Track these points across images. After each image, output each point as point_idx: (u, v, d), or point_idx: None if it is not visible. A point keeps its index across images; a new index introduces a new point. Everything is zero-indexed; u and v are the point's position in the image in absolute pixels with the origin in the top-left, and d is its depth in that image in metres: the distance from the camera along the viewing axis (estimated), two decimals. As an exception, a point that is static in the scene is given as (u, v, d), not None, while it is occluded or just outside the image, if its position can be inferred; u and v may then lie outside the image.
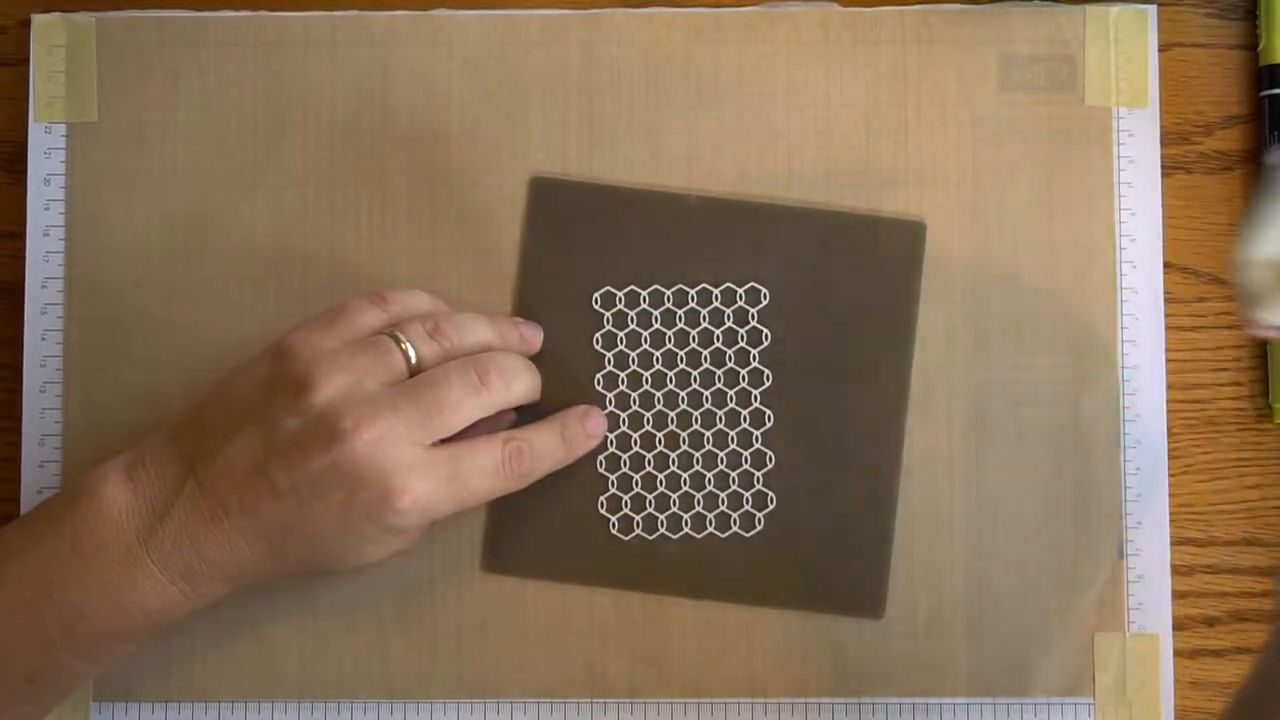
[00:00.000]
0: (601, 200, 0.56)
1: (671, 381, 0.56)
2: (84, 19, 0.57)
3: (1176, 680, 0.56)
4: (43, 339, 0.56)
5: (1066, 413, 0.56)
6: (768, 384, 0.56)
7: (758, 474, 0.56)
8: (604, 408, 0.56)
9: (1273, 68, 0.57)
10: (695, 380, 0.56)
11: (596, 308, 0.56)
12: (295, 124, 0.57)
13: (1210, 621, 0.56)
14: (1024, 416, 0.56)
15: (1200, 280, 0.57)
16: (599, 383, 0.56)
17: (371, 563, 0.50)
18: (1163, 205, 0.56)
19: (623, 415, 0.56)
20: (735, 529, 0.55)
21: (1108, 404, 0.56)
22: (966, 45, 0.57)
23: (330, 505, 0.47)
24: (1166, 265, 0.56)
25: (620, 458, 0.56)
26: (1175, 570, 0.56)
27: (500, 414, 0.52)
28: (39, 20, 0.57)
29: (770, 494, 0.55)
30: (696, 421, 0.56)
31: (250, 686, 0.55)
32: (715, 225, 0.56)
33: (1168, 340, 0.56)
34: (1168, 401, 0.56)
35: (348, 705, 0.56)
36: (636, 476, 0.56)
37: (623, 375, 0.56)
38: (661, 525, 0.56)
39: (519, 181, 0.57)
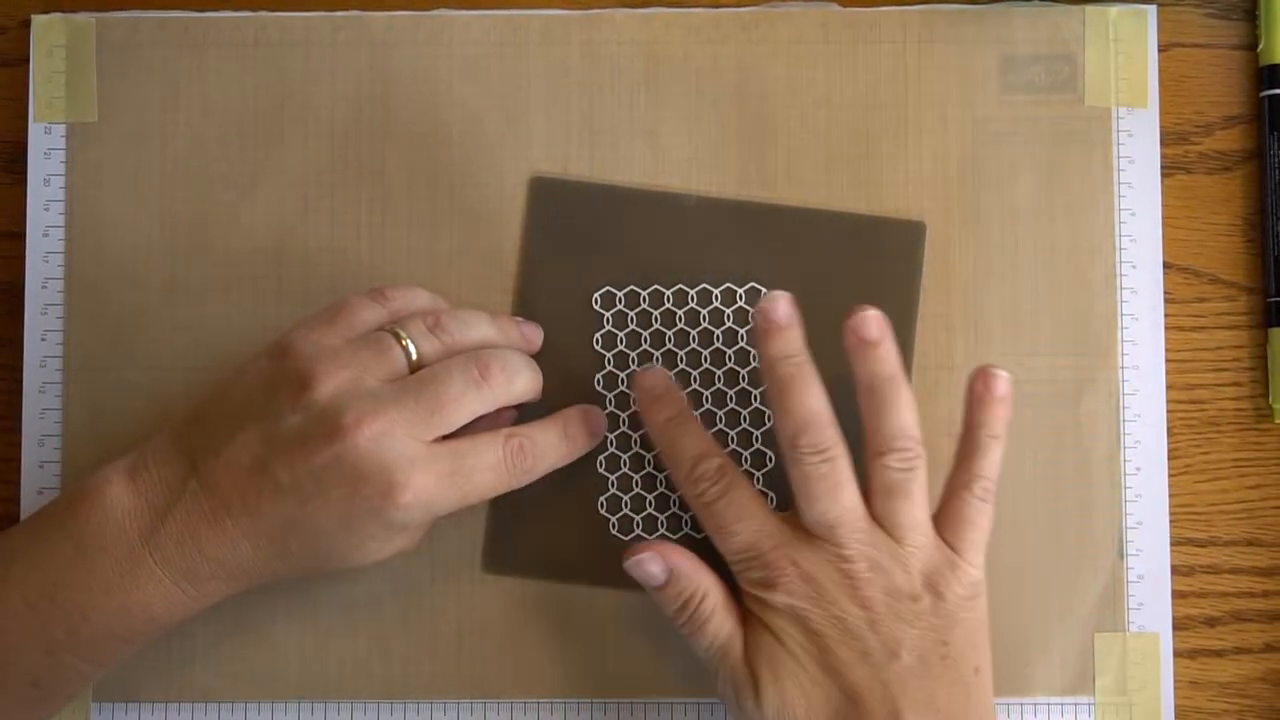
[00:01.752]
0: (602, 200, 0.56)
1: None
2: (84, 19, 0.57)
3: (1177, 680, 0.56)
4: (43, 339, 0.56)
5: (1067, 413, 0.56)
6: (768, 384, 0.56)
7: (758, 474, 0.56)
8: (604, 408, 0.56)
9: (1273, 68, 0.57)
10: (695, 380, 0.56)
11: (596, 308, 0.56)
12: (296, 124, 0.57)
13: (1211, 621, 0.56)
14: (1024, 416, 0.56)
15: (1200, 280, 0.57)
16: (599, 383, 0.56)
17: (373, 562, 0.50)
18: (1162, 205, 0.57)
19: (623, 415, 0.56)
20: (735, 529, 0.55)
21: (1108, 404, 0.56)
22: (967, 45, 0.57)
23: (332, 501, 0.47)
24: (1166, 265, 0.57)
25: (620, 458, 0.56)
26: (1175, 570, 0.56)
27: (501, 412, 0.52)
28: (39, 20, 0.57)
29: (770, 494, 0.55)
30: (697, 421, 0.56)
31: (251, 687, 0.55)
32: (715, 225, 0.56)
33: (1168, 340, 0.56)
34: (1168, 401, 0.56)
35: (348, 705, 0.56)
36: (636, 476, 0.56)
37: (623, 375, 0.56)
38: (661, 525, 0.56)
39: (519, 181, 0.57)
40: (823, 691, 0.49)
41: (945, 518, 0.51)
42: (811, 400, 0.49)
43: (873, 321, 0.50)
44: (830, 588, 0.49)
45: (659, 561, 0.51)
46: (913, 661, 0.49)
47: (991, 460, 0.51)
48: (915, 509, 0.50)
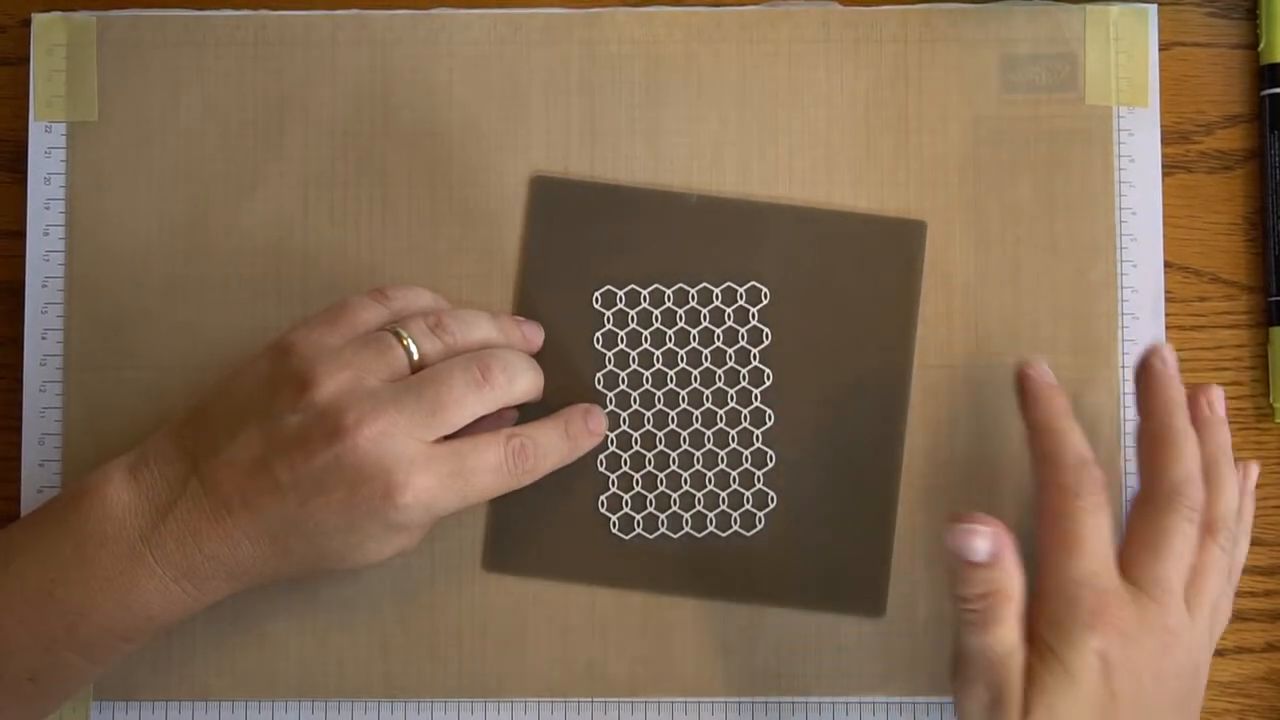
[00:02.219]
0: (602, 199, 0.56)
1: (672, 380, 0.56)
2: (84, 18, 0.57)
3: (1177, 679, 0.56)
4: (43, 338, 0.56)
5: (1067, 412, 0.56)
6: (768, 383, 0.56)
7: (758, 473, 0.56)
8: (605, 407, 0.56)
9: (1273, 67, 0.57)
10: (696, 379, 0.56)
11: (597, 307, 0.56)
12: (296, 123, 0.57)
13: (1211, 621, 0.56)
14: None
15: (1201, 279, 0.57)
16: (600, 382, 0.56)
17: (373, 562, 0.50)
18: (1163, 204, 0.57)
19: (623, 414, 0.56)
20: (736, 528, 0.55)
21: (1108, 403, 0.56)
22: (967, 44, 0.57)
23: (332, 501, 0.47)
24: (1167, 264, 0.57)
25: (621, 457, 0.56)
26: (1176, 569, 0.56)
27: (502, 412, 0.52)
28: (39, 19, 0.57)
29: (771, 493, 0.55)
30: (697, 421, 0.56)
31: (251, 685, 0.55)
32: (716, 224, 0.56)
33: (1168, 339, 0.56)
34: (1168, 401, 0.56)
35: (348, 705, 0.56)
36: (637, 476, 0.56)
37: (623, 374, 0.56)
38: (662, 524, 0.56)
39: (520, 180, 0.57)
40: None
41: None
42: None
43: (1166, 353, 0.51)
44: (1142, 655, 0.47)
45: (993, 540, 0.48)
46: None
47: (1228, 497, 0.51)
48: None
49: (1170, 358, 0.51)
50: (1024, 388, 0.52)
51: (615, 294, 0.56)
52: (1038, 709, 0.46)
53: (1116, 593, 0.48)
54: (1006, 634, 0.47)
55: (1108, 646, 0.46)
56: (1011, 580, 0.47)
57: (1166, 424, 0.50)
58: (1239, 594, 0.56)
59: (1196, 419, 0.51)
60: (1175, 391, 0.51)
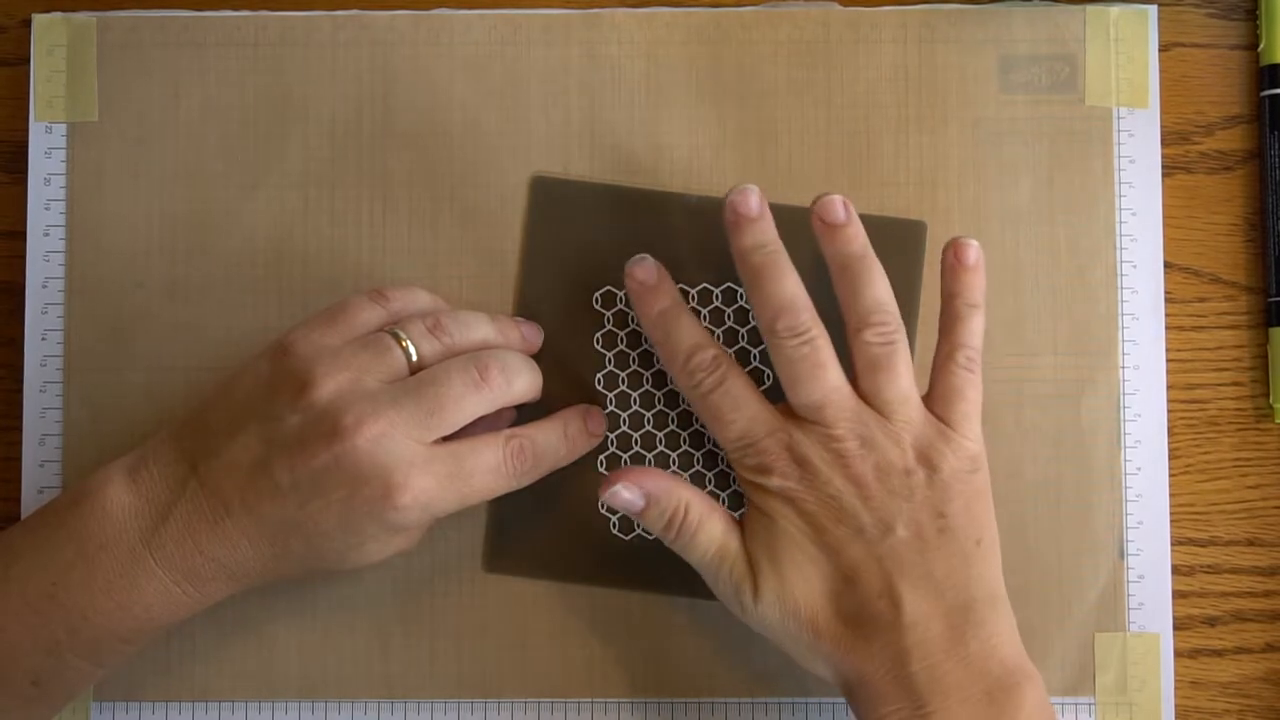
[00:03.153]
0: (602, 200, 0.56)
1: (672, 381, 0.56)
2: (84, 19, 0.57)
3: (1177, 680, 0.56)
4: (43, 339, 0.56)
5: (1067, 412, 0.56)
6: (768, 384, 0.56)
7: (758, 473, 0.56)
8: (604, 407, 0.56)
9: (1273, 68, 0.57)
10: (696, 380, 0.56)
11: (597, 307, 0.56)
12: (296, 123, 0.57)
13: (1211, 621, 0.56)
14: (1025, 416, 0.56)
15: (1201, 280, 0.57)
16: (599, 382, 0.56)
17: (373, 563, 0.50)
18: (1163, 205, 0.57)
19: (623, 415, 0.56)
20: (736, 529, 0.55)
21: (1109, 404, 0.56)
22: (967, 45, 0.57)
23: (332, 503, 0.47)
24: (1167, 265, 0.57)
25: (621, 458, 0.56)
26: (1176, 570, 0.56)
27: (500, 412, 0.52)
28: (40, 20, 0.57)
29: (771, 494, 0.55)
30: (697, 421, 0.56)
31: (251, 686, 0.55)
32: (716, 225, 0.56)
33: (1168, 340, 0.56)
34: (1168, 401, 0.56)
35: (348, 705, 0.56)
36: (637, 476, 0.56)
37: (623, 375, 0.56)
38: (662, 525, 0.56)
39: (520, 181, 0.57)
40: (819, 569, 0.49)
41: (934, 392, 0.52)
42: (786, 286, 0.51)
43: (838, 204, 0.51)
44: (822, 468, 0.49)
45: (633, 488, 0.50)
46: (908, 535, 0.49)
47: (972, 329, 0.52)
48: (900, 382, 0.50)
49: (842, 209, 0.51)
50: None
51: (615, 294, 0.56)
52: (760, 561, 0.50)
53: (774, 431, 0.50)
54: (709, 532, 0.51)
55: (785, 479, 0.50)
56: (675, 496, 0.51)
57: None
58: (1239, 594, 0.56)
59: (944, 264, 0.52)
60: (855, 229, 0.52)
